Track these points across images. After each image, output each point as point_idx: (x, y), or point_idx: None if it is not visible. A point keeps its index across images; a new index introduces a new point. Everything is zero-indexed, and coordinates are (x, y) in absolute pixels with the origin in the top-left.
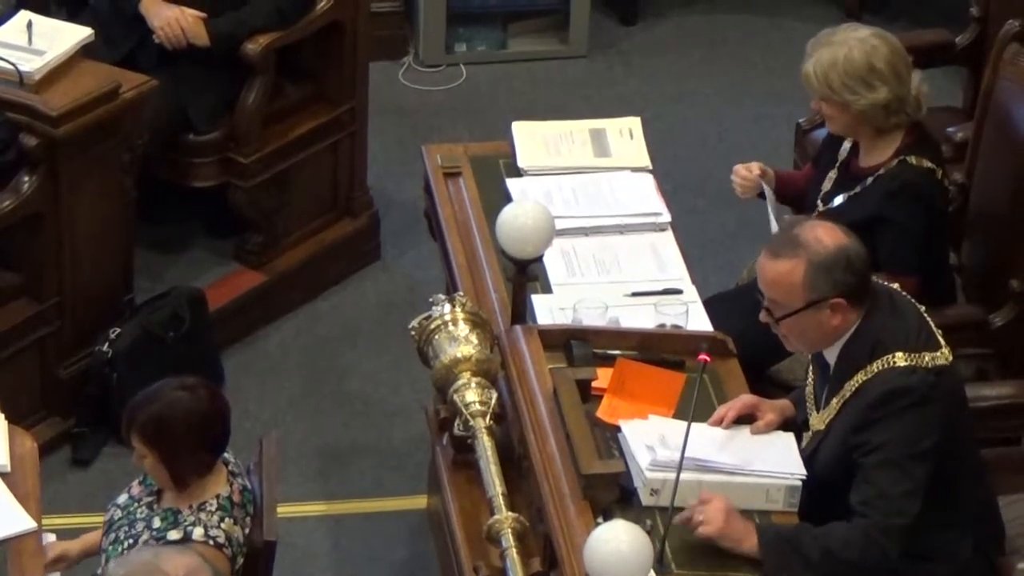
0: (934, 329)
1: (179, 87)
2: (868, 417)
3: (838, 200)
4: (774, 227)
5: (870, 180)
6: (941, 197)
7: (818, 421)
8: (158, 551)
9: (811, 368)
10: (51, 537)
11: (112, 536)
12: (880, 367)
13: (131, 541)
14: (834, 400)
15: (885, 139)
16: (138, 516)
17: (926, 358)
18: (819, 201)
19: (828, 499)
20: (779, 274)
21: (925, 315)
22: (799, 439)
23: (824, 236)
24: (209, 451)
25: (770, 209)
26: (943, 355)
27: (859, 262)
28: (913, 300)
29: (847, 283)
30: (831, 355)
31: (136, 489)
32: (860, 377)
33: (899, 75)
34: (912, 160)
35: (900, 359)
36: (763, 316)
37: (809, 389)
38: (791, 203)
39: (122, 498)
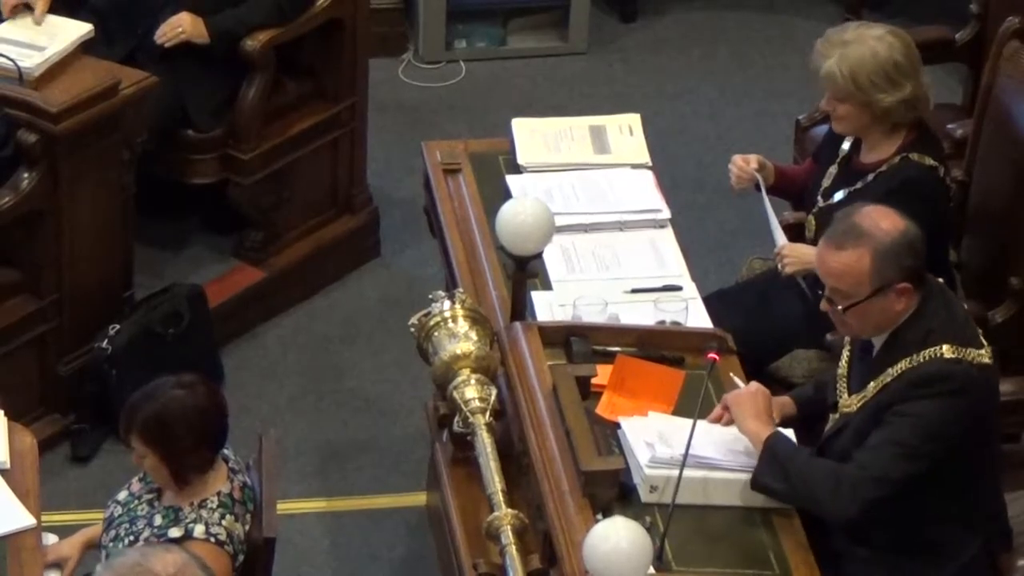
0: (977, 329)
1: (179, 84)
2: (904, 395)
3: (838, 196)
4: (774, 223)
5: (871, 176)
6: (943, 195)
7: (850, 403)
8: (145, 551)
9: (846, 351)
10: (53, 538)
11: (112, 533)
12: (928, 356)
13: (132, 538)
14: (872, 384)
15: (889, 136)
16: (139, 513)
17: (972, 354)
18: (819, 197)
19: None
20: (845, 265)
21: (968, 315)
22: (801, 435)
23: (883, 222)
24: (209, 448)
25: (766, 202)
26: (986, 353)
27: (919, 244)
28: (958, 298)
29: (911, 267)
30: (878, 339)
31: (136, 486)
32: (904, 364)
33: (918, 70)
34: (914, 157)
35: (948, 351)
36: (824, 305)
37: (842, 371)
38: (790, 198)
39: (122, 495)
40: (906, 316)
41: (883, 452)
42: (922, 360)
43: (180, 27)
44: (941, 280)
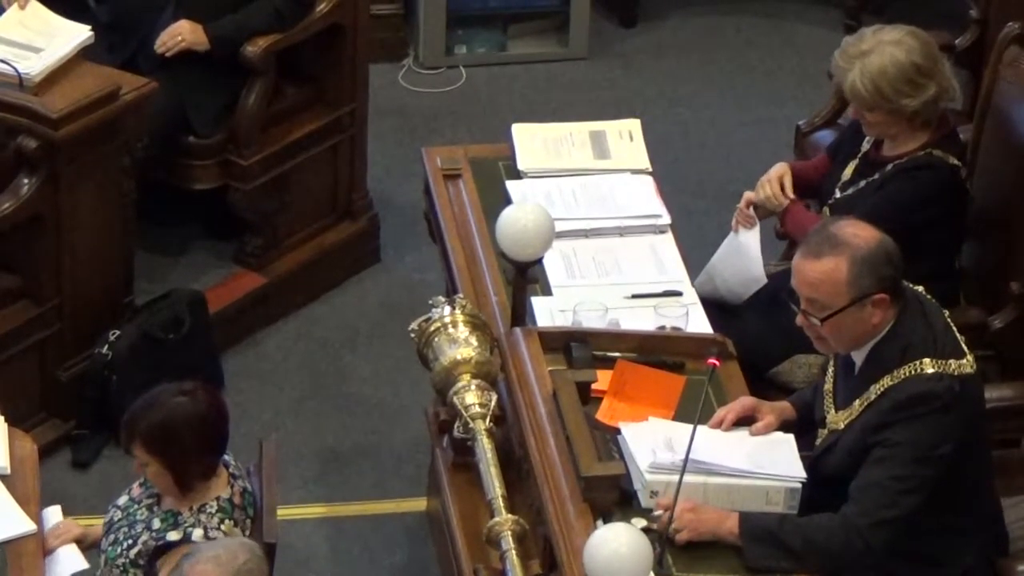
0: (958, 336)
1: (180, 90)
2: (890, 418)
3: (861, 184)
4: (756, 262)
5: (890, 167)
6: (960, 195)
7: (837, 420)
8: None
9: (831, 365)
10: (56, 511)
11: (111, 537)
12: (908, 372)
13: (130, 542)
14: (856, 401)
15: (915, 133)
16: (138, 517)
17: (952, 365)
18: (837, 189)
19: (835, 497)
20: (823, 273)
21: (949, 321)
22: (800, 440)
23: (861, 231)
24: (212, 453)
25: (756, 243)
26: (968, 363)
27: (896, 256)
28: (938, 305)
29: (889, 277)
30: (859, 355)
31: (136, 491)
32: (887, 381)
33: (940, 66)
34: (938, 154)
35: (928, 365)
36: (800, 319)
37: (828, 387)
38: (802, 194)
39: (122, 499)
40: (884, 331)
41: (883, 492)
42: (903, 376)
43: (180, 35)
44: (947, 284)
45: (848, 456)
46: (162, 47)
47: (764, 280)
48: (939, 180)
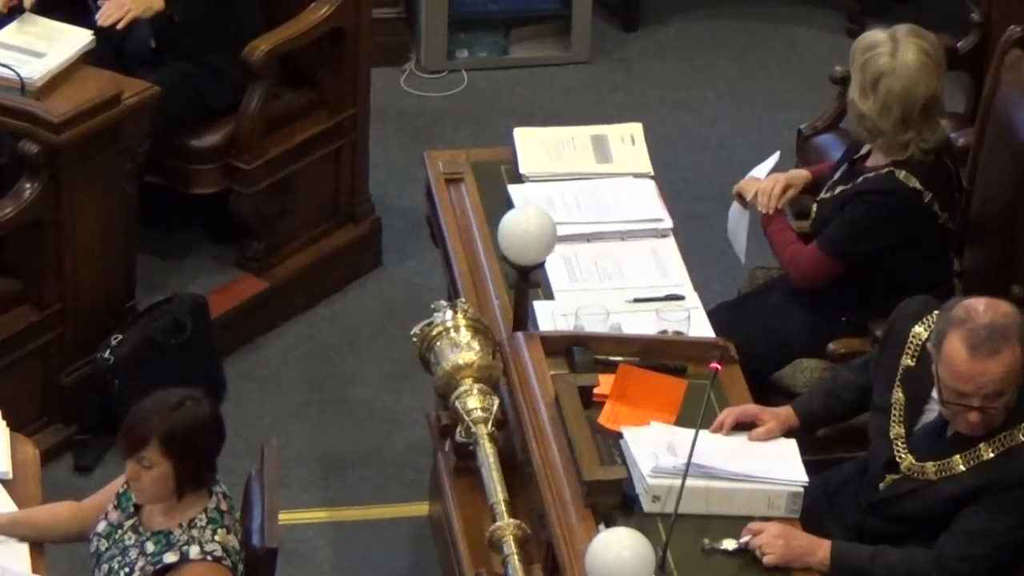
0: None
1: (186, 70)
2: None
3: (837, 191)
4: (741, 246)
5: (860, 179)
6: (919, 219)
7: (926, 469)
8: None
9: (894, 409)
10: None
11: (105, 568)
12: None
13: (127, 570)
14: (957, 457)
15: (896, 150)
16: (128, 543)
17: None
18: (826, 188)
19: (910, 536)
20: (1009, 364)
21: None
22: (800, 443)
23: (999, 307)
24: (214, 460)
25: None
26: None
27: None
28: None
29: None
30: None
31: (113, 515)
32: (1005, 440)
33: None
34: (901, 175)
35: None
36: (975, 416)
37: (896, 432)
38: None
39: (101, 526)
40: None
41: (990, 540)
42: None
43: (125, 5)
44: (942, 292)
45: (945, 505)
46: (107, 20)
47: (743, 261)
48: (891, 206)
